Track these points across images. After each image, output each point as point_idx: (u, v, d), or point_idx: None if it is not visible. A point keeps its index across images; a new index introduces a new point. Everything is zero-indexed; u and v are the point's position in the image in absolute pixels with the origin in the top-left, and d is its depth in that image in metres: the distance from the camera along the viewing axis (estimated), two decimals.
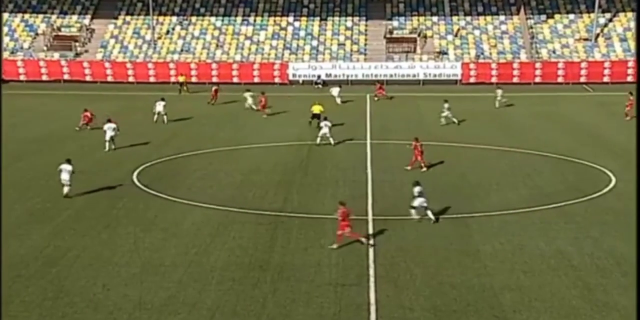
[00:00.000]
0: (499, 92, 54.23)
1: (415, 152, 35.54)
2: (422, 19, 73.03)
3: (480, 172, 35.40)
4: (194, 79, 65.57)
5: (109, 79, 66.39)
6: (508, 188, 32.56)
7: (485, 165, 36.88)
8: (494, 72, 66.09)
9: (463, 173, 35.23)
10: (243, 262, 23.77)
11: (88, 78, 66.54)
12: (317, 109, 45.52)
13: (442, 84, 64.82)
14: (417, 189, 28.09)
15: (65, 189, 30.68)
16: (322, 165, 36.88)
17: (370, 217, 28.39)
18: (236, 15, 73.74)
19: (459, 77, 66.38)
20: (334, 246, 24.80)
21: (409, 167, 35.33)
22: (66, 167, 30.75)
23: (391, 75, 66.62)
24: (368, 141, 41.99)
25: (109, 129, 39.69)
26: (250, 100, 52.82)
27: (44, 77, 67.08)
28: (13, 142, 41.37)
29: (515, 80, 65.47)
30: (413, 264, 23.60)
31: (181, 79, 63.33)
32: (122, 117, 45.72)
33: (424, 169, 35.23)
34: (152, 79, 66.72)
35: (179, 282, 22.13)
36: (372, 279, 22.30)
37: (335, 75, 66.57)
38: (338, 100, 55.63)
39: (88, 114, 44.68)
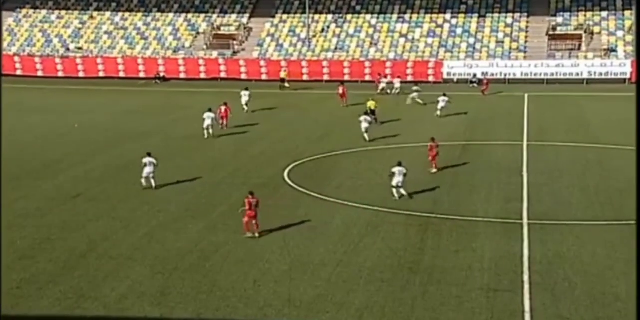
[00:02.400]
0: None
1: (430, 153, 34.70)
2: (589, 14, 70.51)
3: None
4: (347, 77, 66.21)
5: (264, 77, 68.12)
6: None
7: None
8: None
9: (627, 178, 33.72)
10: (392, 263, 23.78)
11: (244, 76, 68.53)
12: (371, 104, 46.60)
13: (609, 84, 62.30)
14: (397, 169, 30.00)
15: (152, 182, 32.15)
16: (475, 166, 36.36)
17: (525, 221, 27.72)
18: (392, 13, 73.85)
19: (627, 76, 63.59)
20: (249, 235, 25.92)
21: (434, 170, 34.65)
22: (150, 161, 32.31)
23: (552, 74, 64.74)
24: (524, 142, 41.01)
25: (208, 118, 42.53)
26: (244, 99, 51.87)
27: (202, 75, 69.66)
28: (172, 139, 43.24)
29: None
30: (572, 272, 22.86)
31: (282, 74, 64.15)
32: (274, 114, 46.84)
33: (434, 170, 34.48)
34: (305, 77, 67.89)
35: (327, 281, 22.40)
36: (526, 286, 21.76)
37: (492, 74, 65.38)
38: (408, 100, 54.44)
39: (223, 108, 45.81)
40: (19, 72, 71.45)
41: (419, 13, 73.42)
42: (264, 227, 27.40)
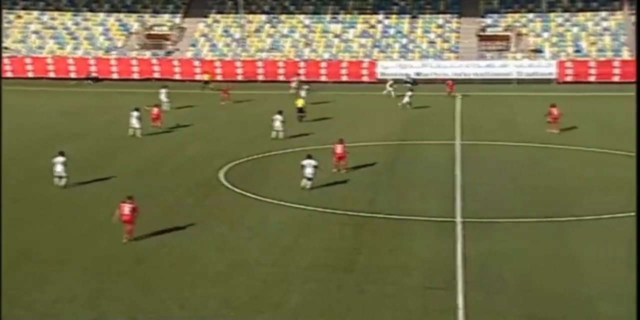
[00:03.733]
0: None
1: (336, 153, 34.66)
2: (517, 15, 71.76)
3: (576, 175, 34.51)
4: (281, 77, 66.00)
5: (198, 77, 67.45)
6: (607, 192, 31.62)
7: (581, 168, 35.94)
8: (592, 71, 64.31)
9: (558, 176, 34.41)
10: (328, 263, 23.77)
11: (177, 76, 67.76)
12: (300, 102, 47.66)
13: (537, 84, 63.48)
14: (306, 162, 31.48)
15: (62, 182, 32.15)
16: (410, 165, 36.64)
17: (459, 219, 28.00)
18: (325, 13, 73.94)
19: (554, 76, 64.89)
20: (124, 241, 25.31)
21: (342, 170, 34.76)
22: (60, 160, 32.34)
23: (483, 74, 65.59)
24: (457, 142, 41.46)
25: (134, 117, 42.76)
26: (163, 96, 52.34)
27: (135, 76, 68.65)
28: (106, 140, 42.50)
29: (615, 79, 63.56)
30: (505, 269, 23.16)
31: (206, 77, 64.19)
32: (208, 114, 46.37)
33: (343, 171, 34.54)
34: (239, 77, 67.48)
35: (264, 282, 22.30)
36: (460, 283, 21.98)
37: (425, 74, 65.98)
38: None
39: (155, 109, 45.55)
40: None
41: (352, 14, 73.67)
42: (202, 227, 27.17)
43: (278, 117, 42.34)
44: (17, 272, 22.65)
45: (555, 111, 43.97)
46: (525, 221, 27.83)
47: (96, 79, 67.68)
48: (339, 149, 34.62)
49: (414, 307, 20.57)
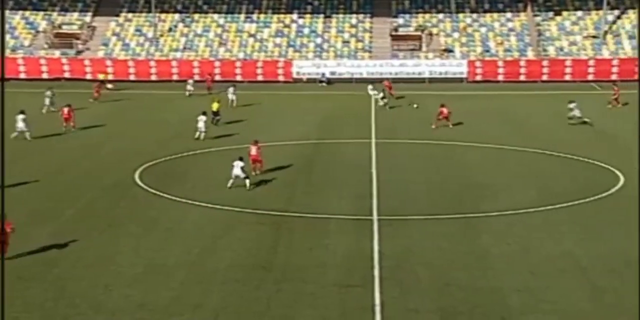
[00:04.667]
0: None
1: (250, 155, 34.22)
2: (427, 16, 72.99)
3: (487, 172, 35.38)
4: (196, 77, 65.47)
5: (110, 77, 66.31)
6: (516, 188, 32.51)
7: (492, 165, 36.87)
8: (500, 70, 65.99)
9: (469, 173, 35.21)
10: (246, 262, 23.79)
11: (89, 76, 66.49)
12: (215, 106, 46.37)
13: (448, 82, 64.73)
14: (236, 163, 31.78)
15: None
16: (327, 164, 36.92)
17: (375, 217, 28.38)
18: (239, 13, 73.72)
19: (465, 75, 66.31)
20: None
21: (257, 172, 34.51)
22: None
23: (396, 73, 66.43)
24: (373, 140, 41.96)
25: (20, 120, 41.32)
26: (47, 100, 51.65)
27: (44, 75, 67.08)
28: (13, 141, 41.44)
29: (522, 78, 65.39)
30: (419, 266, 23.59)
31: (101, 76, 63.74)
32: (121, 115, 45.84)
33: (257, 172, 34.14)
34: (153, 77, 66.67)
35: (182, 283, 22.16)
36: (377, 281, 22.28)
37: (340, 73, 66.54)
38: (233, 100, 53.64)
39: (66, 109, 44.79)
40: None
41: (266, 13, 73.65)
42: (117, 229, 26.78)
43: (202, 117, 42.09)
44: None
45: (445, 110, 45.10)
46: (438, 218, 28.38)
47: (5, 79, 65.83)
48: (253, 150, 34.44)
49: (331, 304, 20.78)
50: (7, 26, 71.85)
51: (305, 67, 67.19)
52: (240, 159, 32.07)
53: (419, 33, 70.72)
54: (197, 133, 41.67)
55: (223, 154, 38.06)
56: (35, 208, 29.44)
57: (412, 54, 68.96)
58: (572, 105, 46.78)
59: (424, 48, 69.58)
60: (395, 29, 71.47)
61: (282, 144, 40.63)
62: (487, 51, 68.78)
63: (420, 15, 73.08)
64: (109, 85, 62.05)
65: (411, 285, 22.05)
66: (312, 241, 25.75)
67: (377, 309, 20.46)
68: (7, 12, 73.05)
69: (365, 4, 74.45)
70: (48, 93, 52.07)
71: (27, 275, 22.60)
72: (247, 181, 31.86)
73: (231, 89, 54.08)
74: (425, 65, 67.01)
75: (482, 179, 34.11)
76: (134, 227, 27.18)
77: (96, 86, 57.36)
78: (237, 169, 31.77)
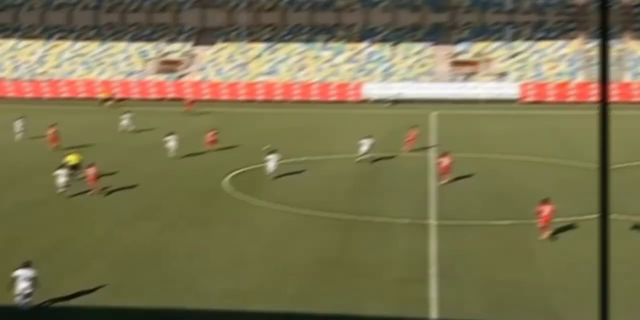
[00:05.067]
0: None
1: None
2: (484, 44, 72.32)
3: (533, 182, 34.71)
4: (278, 97, 66.31)
5: (206, 97, 67.58)
6: (563, 197, 31.86)
7: (538, 176, 36.23)
8: (550, 92, 64.83)
9: (519, 183, 34.67)
10: (319, 258, 24.02)
11: (188, 96, 67.84)
12: (73, 159, 34.91)
13: (502, 103, 63.89)
14: (270, 156, 34.82)
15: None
16: (391, 174, 36.88)
17: (433, 221, 28.31)
18: (317, 41, 74.42)
19: (517, 97, 65.37)
20: None
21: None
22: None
23: (455, 95, 66.04)
24: (432, 154, 41.72)
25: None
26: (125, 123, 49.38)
27: (152, 96, 68.87)
28: (124, 150, 42.63)
29: (571, 99, 64.10)
30: (472, 265, 23.46)
31: (102, 96, 64.51)
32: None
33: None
34: (241, 98, 67.72)
35: (262, 275, 22.52)
36: (433, 277, 22.26)
37: (404, 95, 66.39)
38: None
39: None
40: None
41: (340, 41, 74.16)
42: (207, 226, 27.32)
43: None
44: (53, 265, 22.81)
45: (413, 133, 43.26)
46: (491, 224, 28.10)
47: (118, 99, 67.85)
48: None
49: (393, 297, 20.88)
50: (123, 55, 74.22)
51: (373, 89, 67.33)
52: (272, 152, 34.86)
53: (477, 59, 70.17)
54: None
55: (297, 165, 38.55)
56: (139, 208, 30.32)
57: (469, 77, 68.40)
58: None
59: (481, 72, 68.96)
60: (455, 55, 71.06)
61: (352, 156, 40.79)
62: (540, 75, 67.68)
63: (478, 43, 72.48)
64: (109, 103, 63.05)
65: (464, 282, 21.96)
66: (377, 241, 25.85)
67: (434, 302, 20.47)
68: (124, 43, 75.44)
69: (429, 33, 74.24)
70: (126, 115, 50.23)
71: (135, 263, 23.39)
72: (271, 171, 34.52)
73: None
74: (482, 88, 66.36)
75: (531, 188, 33.60)
76: (223, 225, 27.74)
77: (187, 103, 58.92)
78: (272, 163, 34.47)
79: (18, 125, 46.70)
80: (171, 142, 40.69)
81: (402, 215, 29.20)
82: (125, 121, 50.01)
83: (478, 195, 32.64)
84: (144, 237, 26.28)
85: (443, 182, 34.07)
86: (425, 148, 43.27)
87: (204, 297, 20.76)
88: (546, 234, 25.53)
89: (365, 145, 39.14)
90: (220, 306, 20.23)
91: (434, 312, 19.88)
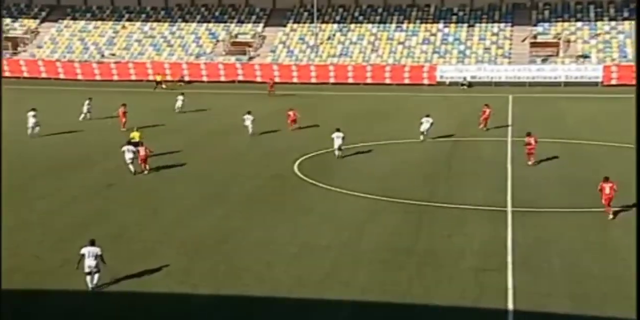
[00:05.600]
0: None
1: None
2: (566, 24, 70.13)
3: (614, 168, 33.49)
4: (350, 80, 66.07)
5: (277, 79, 67.87)
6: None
7: (620, 162, 34.91)
8: (635, 75, 62.33)
9: (596, 169, 33.53)
10: (391, 246, 23.67)
11: (258, 79, 68.35)
12: (136, 136, 36.80)
13: (583, 86, 61.93)
14: (335, 135, 35.81)
15: (131, 167, 32.76)
16: (465, 159, 36.21)
17: (509, 208, 27.57)
18: (391, 23, 73.58)
19: (599, 79, 63.22)
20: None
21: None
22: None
23: (533, 78, 64.42)
24: (509, 138, 40.77)
25: (128, 151, 33.71)
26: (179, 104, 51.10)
27: (222, 78, 69.52)
28: (195, 135, 43.14)
29: None
30: (550, 254, 22.74)
31: (158, 78, 65.94)
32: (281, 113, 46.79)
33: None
34: (313, 80, 67.63)
35: (333, 262, 22.31)
36: (510, 266, 21.65)
37: (480, 77, 65.25)
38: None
39: (291, 113, 44.34)
40: (61, 76, 71.65)
41: (414, 23, 73.13)
42: (277, 212, 27.25)
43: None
44: (122, 249, 23.16)
45: (487, 110, 43.48)
46: (570, 210, 27.23)
47: (187, 81, 68.79)
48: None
49: (468, 287, 20.36)
50: (193, 36, 74.95)
51: (448, 71, 66.24)
52: (338, 130, 35.73)
53: (557, 40, 68.12)
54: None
55: (368, 150, 38.15)
56: (211, 192, 30.48)
57: (549, 59, 66.50)
58: None
59: (561, 54, 66.93)
60: (534, 37, 69.15)
61: (425, 141, 40.18)
62: (624, 57, 65.23)
63: (559, 23, 70.33)
64: (164, 86, 64.46)
65: (543, 272, 21.29)
66: (450, 229, 25.31)
67: (510, 292, 19.88)
68: (194, 24, 76.24)
69: (506, 13, 72.48)
70: (180, 97, 51.49)
71: (203, 249, 23.44)
72: (340, 152, 35.53)
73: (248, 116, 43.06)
74: (562, 70, 64.46)
75: (612, 175, 32.36)
76: (292, 211, 27.61)
77: (270, 84, 59.70)
78: (338, 140, 35.35)
79: (86, 106, 48.38)
80: (248, 122, 42.08)
81: (477, 201, 28.54)
82: (179, 102, 51.21)
83: (557, 181, 31.68)
84: (212, 222, 26.39)
85: (530, 162, 34.28)
86: (502, 126, 42.36)
87: (274, 285, 20.65)
88: (610, 213, 25.97)
89: (426, 123, 40.09)
90: (290, 294, 20.09)
91: (510, 303, 19.29)
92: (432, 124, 40.31)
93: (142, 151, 33.42)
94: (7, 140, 41.05)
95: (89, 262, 20.08)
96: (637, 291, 17.32)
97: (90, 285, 20.19)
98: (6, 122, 40.36)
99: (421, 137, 39.94)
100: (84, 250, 20.24)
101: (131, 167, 33.07)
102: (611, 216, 26.05)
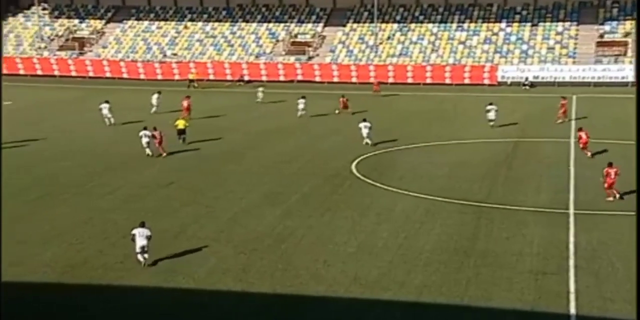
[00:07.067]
0: None
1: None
2: (635, 22, 68.22)
3: None
4: (409, 80, 65.74)
5: (335, 79, 68.01)
6: None
7: None
8: None
9: None
10: (448, 247, 23.54)
11: (317, 79, 68.59)
12: (181, 124, 39.99)
13: None
14: (362, 124, 38.62)
15: (147, 150, 35.95)
16: (526, 160, 35.70)
17: (571, 210, 27.09)
18: (452, 22, 72.91)
19: None
20: None
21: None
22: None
23: (599, 78, 62.98)
24: (572, 139, 40.00)
25: (144, 136, 37.14)
26: (260, 95, 55.60)
27: (281, 78, 69.98)
28: (251, 134, 43.57)
29: None
30: (614, 257, 22.28)
31: (191, 76, 67.31)
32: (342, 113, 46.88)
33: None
34: (371, 79, 67.53)
35: (390, 262, 22.31)
36: (572, 270, 21.31)
37: (543, 77, 64.10)
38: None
39: (342, 100, 50.09)
40: (125, 75, 73.24)
41: (476, 22, 72.29)
42: (335, 212, 27.34)
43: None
44: (178, 247, 23.59)
45: (565, 103, 45.95)
46: (632, 214, 26.52)
47: (247, 81, 69.50)
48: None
49: (527, 289, 20.12)
50: (254, 36, 75.72)
51: (509, 71, 65.29)
52: (365, 120, 38.74)
53: (625, 39, 66.42)
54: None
55: (425, 150, 37.94)
56: (269, 191, 30.73)
57: (616, 59, 64.91)
58: None
59: (629, 53, 65.25)
60: (601, 36, 67.56)
61: (485, 141, 39.77)
62: None
63: (627, 22, 68.56)
64: (195, 84, 66.03)
65: (606, 275, 20.88)
66: (509, 230, 25.02)
67: (572, 296, 19.58)
68: (254, 25, 77.03)
69: (572, 12, 71.03)
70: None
71: (260, 248, 23.69)
72: (368, 140, 37.95)
73: (302, 100, 48.84)
74: (629, 70, 62.82)
75: None
76: (349, 211, 27.66)
77: (375, 84, 60.98)
78: (365, 129, 37.81)
79: (155, 99, 51.11)
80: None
81: (538, 202, 28.13)
82: (259, 94, 54.26)
83: (619, 183, 30.89)
84: (270, 221, 26.64)
85: (589, 154, 35.71)
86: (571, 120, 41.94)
87: (330, 284, 20.75)
88: (611, 197, 27.94)
89: (492, 111, 43.69)
90: (346, 294, 20.15)
91: (572, 307, 18.98)
92: (497, 111, 43.40)
93: (157, 136, 36.73)
94: (80, 137, 42.47)
95: (141, 242, 21.77)
96: (638, 291, 16.90)
97: (143, 261, 21.75)
98: (76, 120, 41.49)
99: (491, 124, 43.25)
100: (135, 231, 22.03)
101: (148, 150, 36.24)
102: (611, 198, 28.04)
